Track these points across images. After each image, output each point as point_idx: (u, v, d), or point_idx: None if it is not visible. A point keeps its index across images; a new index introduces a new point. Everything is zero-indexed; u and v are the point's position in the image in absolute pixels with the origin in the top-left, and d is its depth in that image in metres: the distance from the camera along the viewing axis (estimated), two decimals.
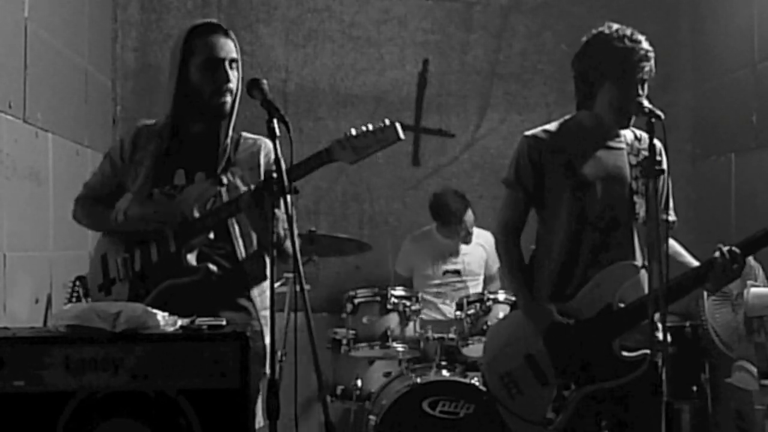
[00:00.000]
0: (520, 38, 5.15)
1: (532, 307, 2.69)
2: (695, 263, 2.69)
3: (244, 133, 2.64)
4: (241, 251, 2.56)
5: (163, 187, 2.55)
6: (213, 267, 2.53)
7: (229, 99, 2.52)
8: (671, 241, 2.73)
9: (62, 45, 3.89)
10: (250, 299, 2.59)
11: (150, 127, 2.65)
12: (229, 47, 2.53)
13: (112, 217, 2.61)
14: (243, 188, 2.54)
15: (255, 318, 2.57)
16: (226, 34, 2.54)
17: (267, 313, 2.61)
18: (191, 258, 2.48)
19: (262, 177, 2.57)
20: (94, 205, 2.69)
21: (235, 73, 2.54)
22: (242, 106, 4.89)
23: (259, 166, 2.60)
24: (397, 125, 2.43)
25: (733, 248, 2.54)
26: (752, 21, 4.38)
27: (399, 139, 2.43)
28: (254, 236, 2.58)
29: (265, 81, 2.24)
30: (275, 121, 2.16)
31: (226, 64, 2.51)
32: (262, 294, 2.63)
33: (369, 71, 5.07)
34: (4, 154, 3.22)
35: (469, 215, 4.52)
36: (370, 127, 2.43)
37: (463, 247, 4.62)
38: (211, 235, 2.50)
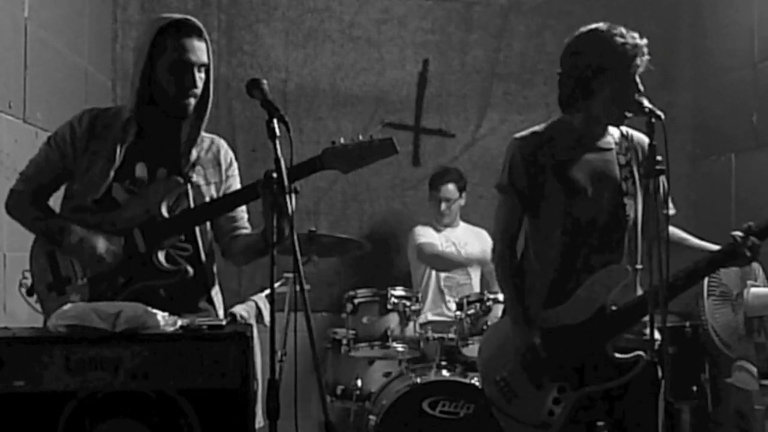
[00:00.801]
0: (520, 38, 5.15)
1: (520, 322, 2.68)
2: (704, 243, 2.71)
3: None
4: (202, 252, 2.54)
5: (123, 180, 2.46)
6: (189, 268, 2.49)
7: (192, 102, 2.46)
8: (673, 229, 2.73)
9: (62, 45, 3.89)
10: (210, 301, 2.59)
11: (105, 113, 2.54)
12: (201, 50, 2.44)
13: (63, 241, 2.42)
14: (205, 187, 2.53)
15: (215, 319, 2.56)
16: (200, 35, 2.45)
17: (222, 313, 2.64)
18: (162, 258, 2.45)
19: (224, 176, 2.58)
20: (33, 204, 2.53)
21: (203, 76, 2.47)
22: (242, 106, 4.92)
23: (220, 164, 2.59)
24: (394, 140, 2.42)
25: (752, 226, 2.59)
26: (752, 21, 4.38)
27: (395, 152, 2.42)
28: (211, 235, 2.58)
29: (265, 81, 2.24)
30: (275, 121, 2.15)
31: (195, 69, 2.44)
32: (217, 294, 2.63)
33: (369, 71, 5.07)
34: (4, 154, 3.22)
35: (450, 188, 4.61)
36: (364, 138, 2.41)
37: (461, 236, 4.65)
38: (182, 236, 2.49)
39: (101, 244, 2.42)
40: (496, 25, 5.15)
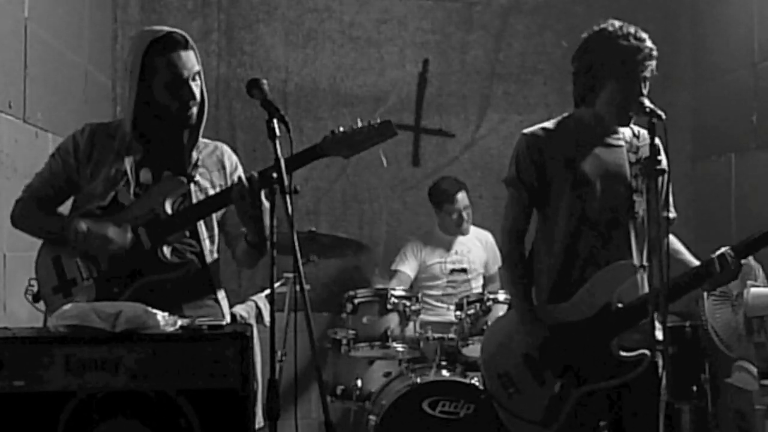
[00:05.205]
0: (520, 38, 5.15)
1: (528, 320, 2.68)
2: (694, 261, 2.70)
3: (202, 139, 2.58)
4: (207, 252, 2.55)
5: (129, 185, 2.48)
6: (195, 259, 2.51)
7: (194, 111, 2.48)
8: (672, 239, 2.73)
9: (62, 45, 3.89)
10: (216, 301, 2.60)
11: (107, 126, 2.56)
12: (191, 61, 2.44)
13: (70, 235, 2.41)
14: (211, 190, 2.53)
15: (222, 319, 2.57)
16: (186, 46, 2.43)
17: (229, 317, 2.65)
18: (167, 252, 2.45)
19: (229, 179, 2.57)
20: (38, 209, 2.54)
21: (198, 83, 2.47)
22: (242, 106, 4.92)
23: (225, 168, 2.60)
24: (391, 122, 2.42)
25: (728, 251, 2.55)
26: (752, 21, 4.38)
27: (395, 134, 2.43)
28: (217, 239, 2.59)
29: (265, 81, 2.24)
30: (275, 121, 2.16)
31: (190, 81, 2.44)
32: (223, 299, 2.64)
33: (369, 71, 5.07)
34: (4, 154, 3.22)
35: (462, 196, 4.53)
36: (363, 123, 2.41)
37: (465, 243, 4.62)
38: (186, 232, 2.50)
39: (110, 230, 2.41)
40: (496, 25, 5.15)
